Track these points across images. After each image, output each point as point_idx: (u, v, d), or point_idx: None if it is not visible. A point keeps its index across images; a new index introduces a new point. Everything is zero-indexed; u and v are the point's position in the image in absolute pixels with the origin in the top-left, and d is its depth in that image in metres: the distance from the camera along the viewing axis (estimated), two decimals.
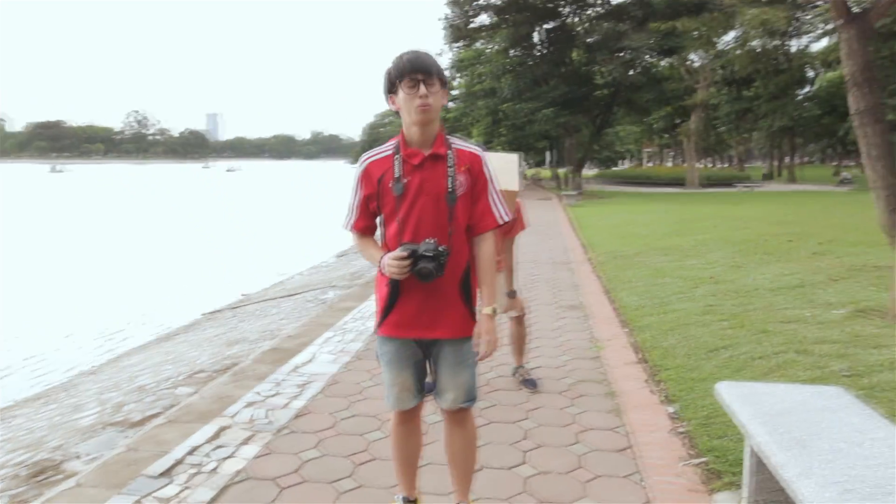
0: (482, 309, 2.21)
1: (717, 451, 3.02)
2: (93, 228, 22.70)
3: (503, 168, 3.47)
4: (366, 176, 2.17)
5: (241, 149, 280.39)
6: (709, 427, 3.30)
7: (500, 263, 3.96)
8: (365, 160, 2.20)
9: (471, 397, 2.26)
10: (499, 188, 3.27)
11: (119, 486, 2.73)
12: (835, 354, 4.46)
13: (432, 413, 3.31)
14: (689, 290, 6.83)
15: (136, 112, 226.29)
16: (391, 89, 2.10)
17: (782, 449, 2.09)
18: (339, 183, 70.58)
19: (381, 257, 2.12)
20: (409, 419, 2.34)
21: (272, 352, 5.26)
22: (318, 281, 12.37)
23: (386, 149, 2.18)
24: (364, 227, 2.23)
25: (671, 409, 3.61)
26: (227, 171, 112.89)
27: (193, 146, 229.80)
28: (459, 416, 2.31)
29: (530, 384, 3.95)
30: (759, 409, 2.43)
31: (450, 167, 2.10)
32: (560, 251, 10.40)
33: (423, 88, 2.03)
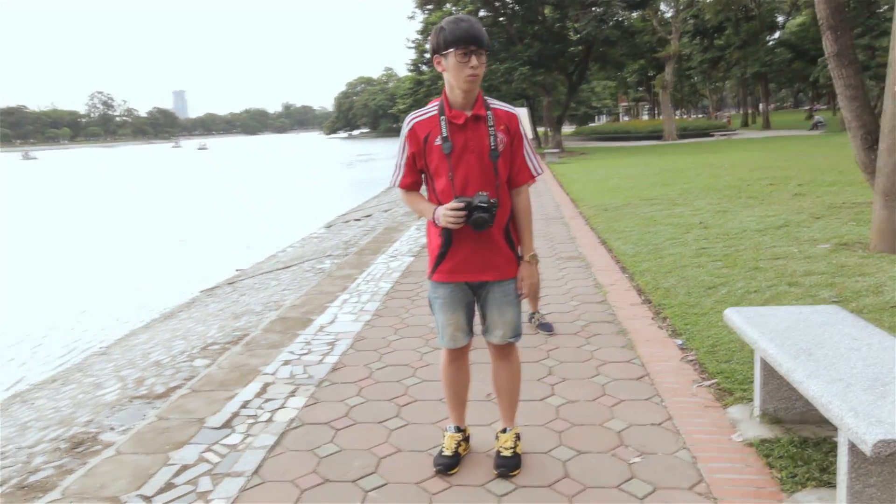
0: (523, 255, 2.43)
1: (726, 373, 3.33)
2: (79, 214, 22.45)
3: None
4: (412, 135, 2.33)
5: (212, 125, 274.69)
6: (715, 354, 3.61)
7: None
8: (411, 120, 2.36)
9: (517, 333, 2.47)
10: None
11: (157, 451, 2.91)
12: (823, 284, 4.80)
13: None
14: (680, 235, 7.14)
15: (101, 93, 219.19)
16: (441, 51, 2.23)
17: (790, 357, 2.38)
18: (315, 155, 69.95)
19: (435, 209, 2.30)
20: (459, 356, 2.57)
21: (280, 321, 5.45)
22: (312, 252, 12.51)
23: (430, 110, 2.34)
24: (411, 182, 2.40)
25: (679, 342, 3.91)
26: (199, 149, 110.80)
27: (162, 125, 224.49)
28: (506, 351, 2.52)
29: (547, 328, 4.23)
30: (765, 327, 2.71)
31: (490, 126, 2.28)
32: (551, 207, 10.66)
33: (474, 60, 2.18)
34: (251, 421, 3.12)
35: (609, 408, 3.07)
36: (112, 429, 4.26)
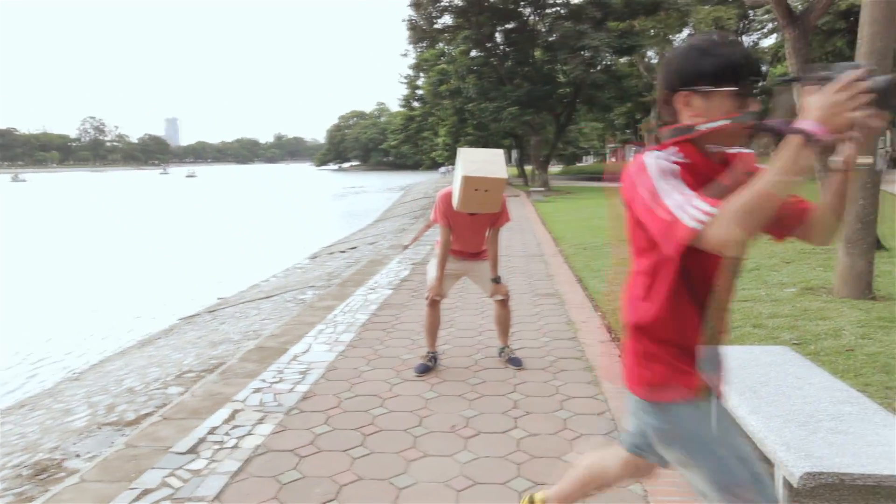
0: None
1: None
2: (61, 237, 22.34)
3: (491, 160, 3.84)
4: (687, 170, 1.48)
5: (203, 153, 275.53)
6: None
7: (484, 252, 4.30)
8: (669, 157, 1.50)
9: None
10: (487, 176, 3.63)
11: (122, 479, 2.91)
12: (786, 326, 4.94)
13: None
14: None
15: (93, 118, 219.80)
16: (704, 83, 1.46)
17: (736, 394, 2.49)
18: (304, 185, 70.25)
19: (796, 129, 1.24)
20: None
21: (257, 350, 5.48)
22: (295, 282, 12.55)
23: (675, 155, 1.53)
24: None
25: None
26: (187, 176, 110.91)
27: (153, 152, 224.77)
28: None
29: (516, 362, 4.31)
30: None
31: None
32: (533, 244, 10.82)
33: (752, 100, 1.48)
34: (217, 447, 3.15)
35: (569, 441, 3.14)
36: (78, 456, 4.24)
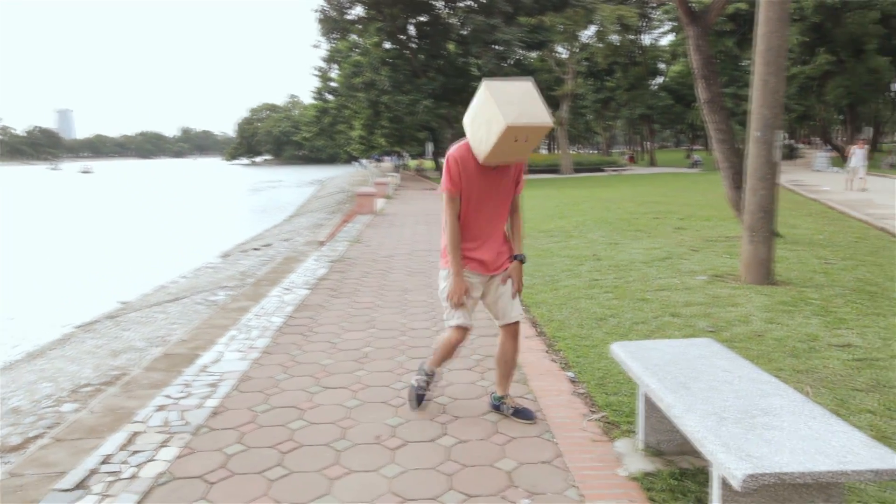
0: None
1: (614, 405, 3.40)
2: None
3: (527, 98, 2.90)
4: None
5: (102, 147, 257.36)
6: (604, 386, 3.69)
7: (504, 261, 3.34)
8: None
9: None
10: (532, 123, 2.82)
11: None
12: (700, 314, 5.08)
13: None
14: (574, 267, 7.38)
15: None
16: None
17: (670, 392, 2.44)
18: (215, 181, 67.04)
19: None
20: None
21: (164, 358, 5.06)
22: (206, 283, 11.87)
23: None
24: None
25: (570, 374, 3.97)
26: (82, 172, 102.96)
27: (43, 145, 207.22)
28: None
29: (526, 414, 3.36)
30: (647, 362, 2.79)
31: None
32: None
33: None
34: (111, 479, 2.79)
35: (501, 446, 3.03)
36: None
